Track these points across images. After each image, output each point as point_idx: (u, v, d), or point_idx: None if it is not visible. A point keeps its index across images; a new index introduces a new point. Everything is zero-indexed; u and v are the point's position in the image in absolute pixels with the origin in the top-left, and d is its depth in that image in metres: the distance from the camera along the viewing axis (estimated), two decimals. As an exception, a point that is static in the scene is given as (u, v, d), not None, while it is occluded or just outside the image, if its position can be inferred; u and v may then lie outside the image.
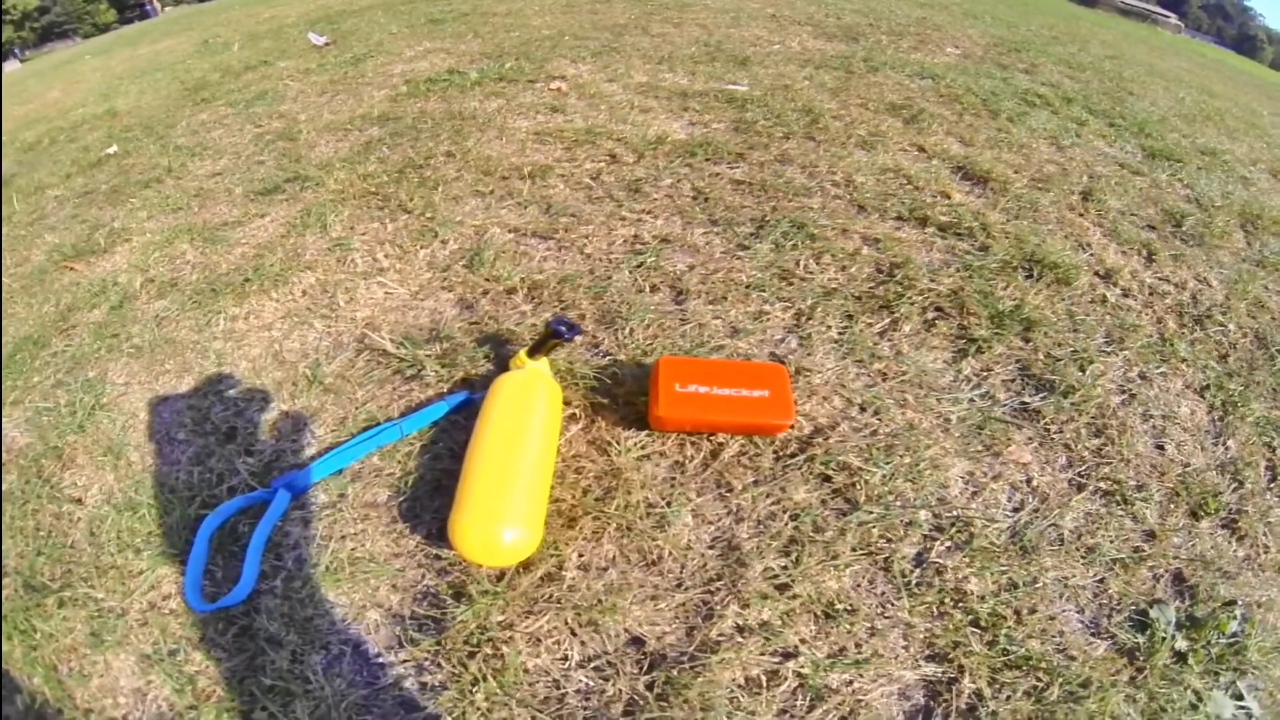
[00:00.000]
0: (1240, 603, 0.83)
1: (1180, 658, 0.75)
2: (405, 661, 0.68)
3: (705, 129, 1.57)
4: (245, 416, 0.94)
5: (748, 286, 1.08)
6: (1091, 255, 1.27)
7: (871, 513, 0.81)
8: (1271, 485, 0.99)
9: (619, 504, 0.77)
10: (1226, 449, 1.02)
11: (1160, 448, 1.00)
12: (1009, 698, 0.68)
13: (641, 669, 0.67)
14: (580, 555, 0.74)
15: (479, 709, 0.64)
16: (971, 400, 0.97)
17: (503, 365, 0.93)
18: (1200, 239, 1.38)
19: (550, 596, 0.71)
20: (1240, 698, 0.74)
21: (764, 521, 0.79)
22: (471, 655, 0.67)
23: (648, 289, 1.06)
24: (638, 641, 0.69)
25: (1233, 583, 0.87)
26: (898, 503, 0.83)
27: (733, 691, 0.66)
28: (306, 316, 1.09)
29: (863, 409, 0.92)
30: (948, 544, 0.81)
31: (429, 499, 0.80)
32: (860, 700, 0.67)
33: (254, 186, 1.52)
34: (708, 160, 1.42)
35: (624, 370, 0.91)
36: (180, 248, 1.32)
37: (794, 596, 0.73)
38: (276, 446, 0.89)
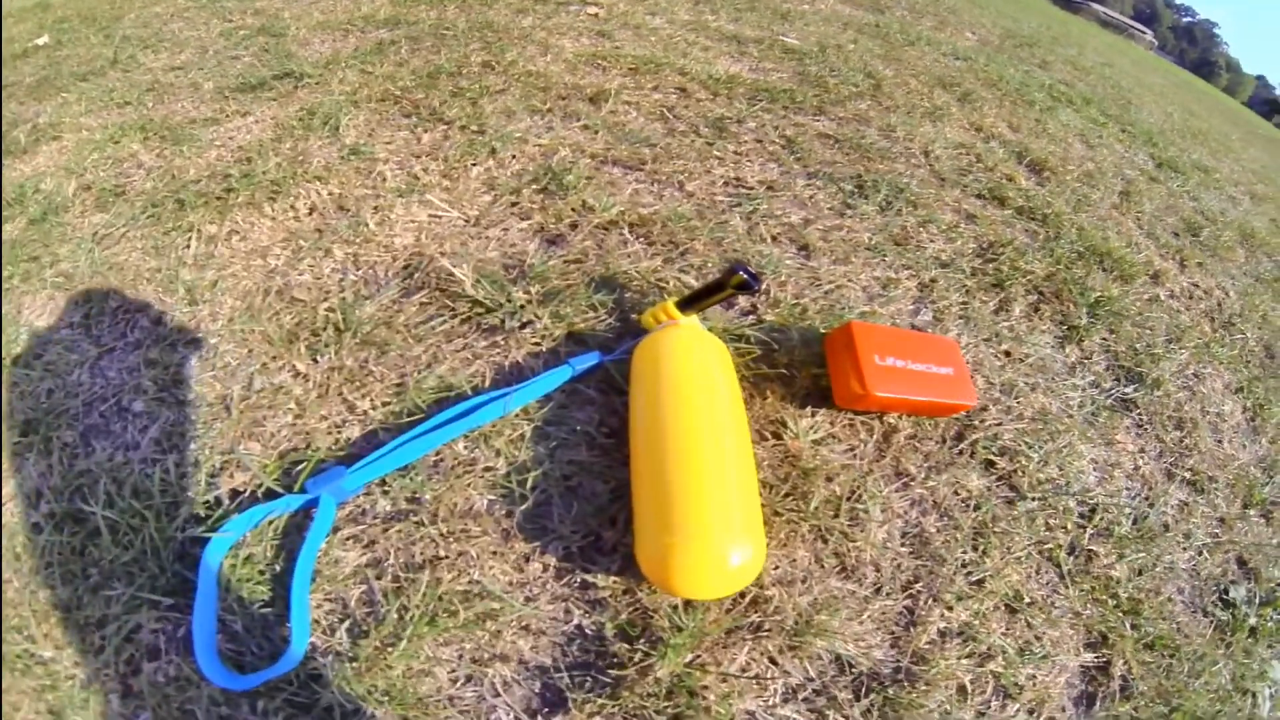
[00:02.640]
0: None
1: (1252, 632, 0.83)
2: None
3: (770, 76, 1.45)
4: (240, 378, 0.69)
5: (869, 249, 1.00)
6: (1142, 255, 1.33)
7: (1033, 501, 0.79)
8: None
9: (810, 501, 0.67)
10: (1260, 446, 1.11)
11: (1219, 442, 1.06)
12: (1149, 677, 0.71)
13: (857, 693, 0.59)
14: (776, 567, 0.63)
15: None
16: (1085, 389, 0.97)
17: (625, 318, 0.79)
18: (1214, 251, 1.50)
19: (751, 623, 0.59)
20: None
21: (948, 512, 0.73)
22: (663, 711, 0.53)
23: (769, 239, 0.95)
24: (846, 661, 0.61)
25: (1276, 566, 0.96)
26: (1052, 489, 0.82)
27: (944, 704, 0.61)
28: (320, 240, 0.84)
29: (1002, 390, 0.89)
30: (1092, 531, 0.81)
31: (560, 503, 0.62)
32: (1046, 692, 0.66)
33: (229, 82, 1.21)
34: (788, 108, 1.31)
35: (781, 334, 0.80)
36: (129, 148, 1.02)
37: (990, 593, 0.69)
38: (298, 426, 0.65)
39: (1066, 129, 1.75)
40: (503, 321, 0.75)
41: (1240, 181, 2.04)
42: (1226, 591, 0.86)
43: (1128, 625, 0.74)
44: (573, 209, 0.93)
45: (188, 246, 0.84)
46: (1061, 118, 1.79)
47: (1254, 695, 0.77)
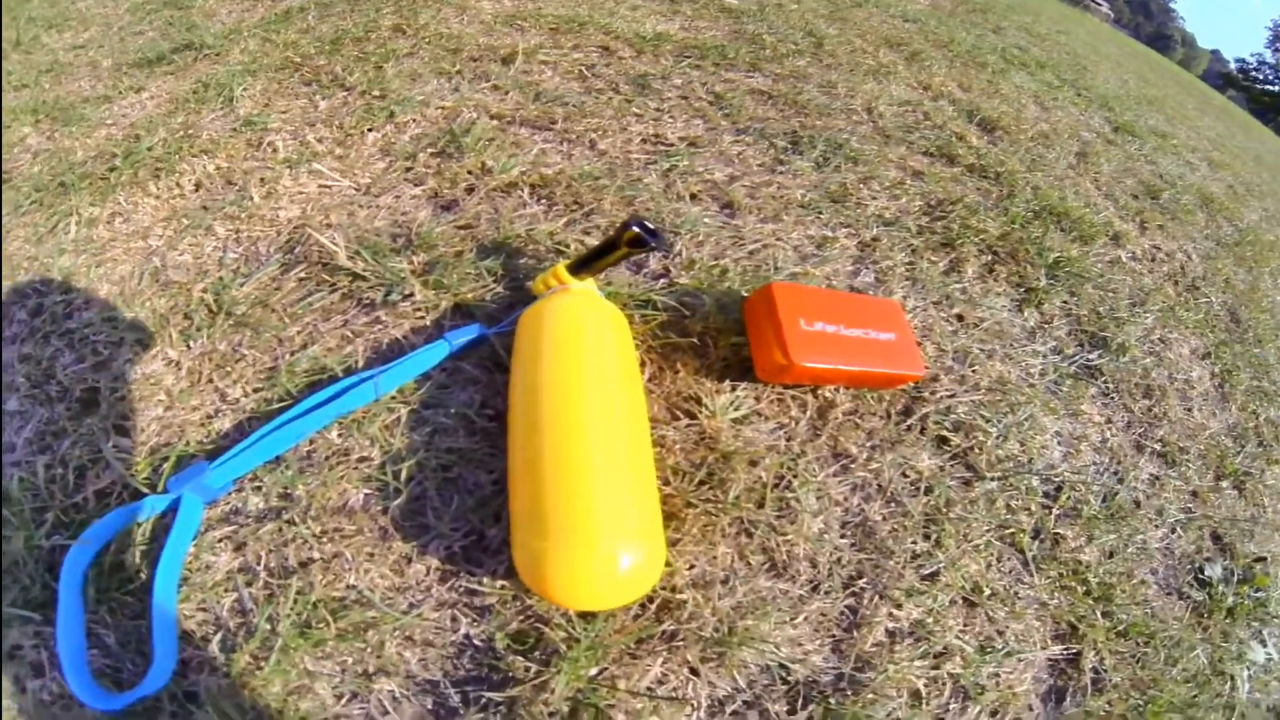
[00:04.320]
0: (1267, 559, 0.89)
1: (1230, 613, 0.81)
2: None
3: (703, 34, 1.38)
4: (113, 371, 0.65)
5: (802, 206, 0.93)
6: (1101, 216, 1.30)
7: (993, 481, 0.73)
8: (1260, 449, 1.07)
9: (729, 490, 0.60)
10: (1230, 414, 1.08)
11: (1188, 410, 1.03)
12: (1122, 667, 0.69)
13: (793, 704, 0.52)
14: (691, 566, 0.56)
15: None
16: (1046, 355, 0.92)
17: (518, 286, 0.70)
18: (1174, 214, 1.48)
19: (663, 632, 0.52)
20: (1265, 644, 0.82)
21: (895, 496, 0.66)
22: None
23: (687, 197, 0.87)
24: (780, 668, 0.54)
25: (1252, 540, 0.93)
26: (1014, 467, 0.76)
27: (893, 710, 0.55)
28: (202, 218, 0.80)
29: (955, 358, 0.83)
30: (1059, 512, 0.76)
31: (438, 496, 0.57)
32: (1011, 691, 0.62)
33: (128, 58, 1.15)
34: (718, 65, 1.24)
35: (695, 299, 0.72)
36: (20, 132, 0.97)
37: (945, 586, 0.63)
38: (167, 419, 0.61)
39: (1020, 91, 1.73)
40: (385, 295, 0.68)
41: (1197, 148, 2.07)
42: (1202, 570, 0.84)
43: (1099, 613, 0.71)
44: (469, 171, 0.84)
45: (68, 231, 0.79)
46: (1015, 80, 1.78)
47: (1232, 678, 0.76)
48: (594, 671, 0.50)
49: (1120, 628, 0.71)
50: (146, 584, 0.52)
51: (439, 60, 1.10)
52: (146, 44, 1.20)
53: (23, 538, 0.54)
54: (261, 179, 0.83)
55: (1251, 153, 2.94)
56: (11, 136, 0.98)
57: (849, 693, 0.56)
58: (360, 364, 0.64)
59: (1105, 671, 0.67)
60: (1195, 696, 0.71)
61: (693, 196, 0.88)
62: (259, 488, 0.57)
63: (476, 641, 0.52)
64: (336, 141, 0.91)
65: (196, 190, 0.84)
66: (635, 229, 0.53)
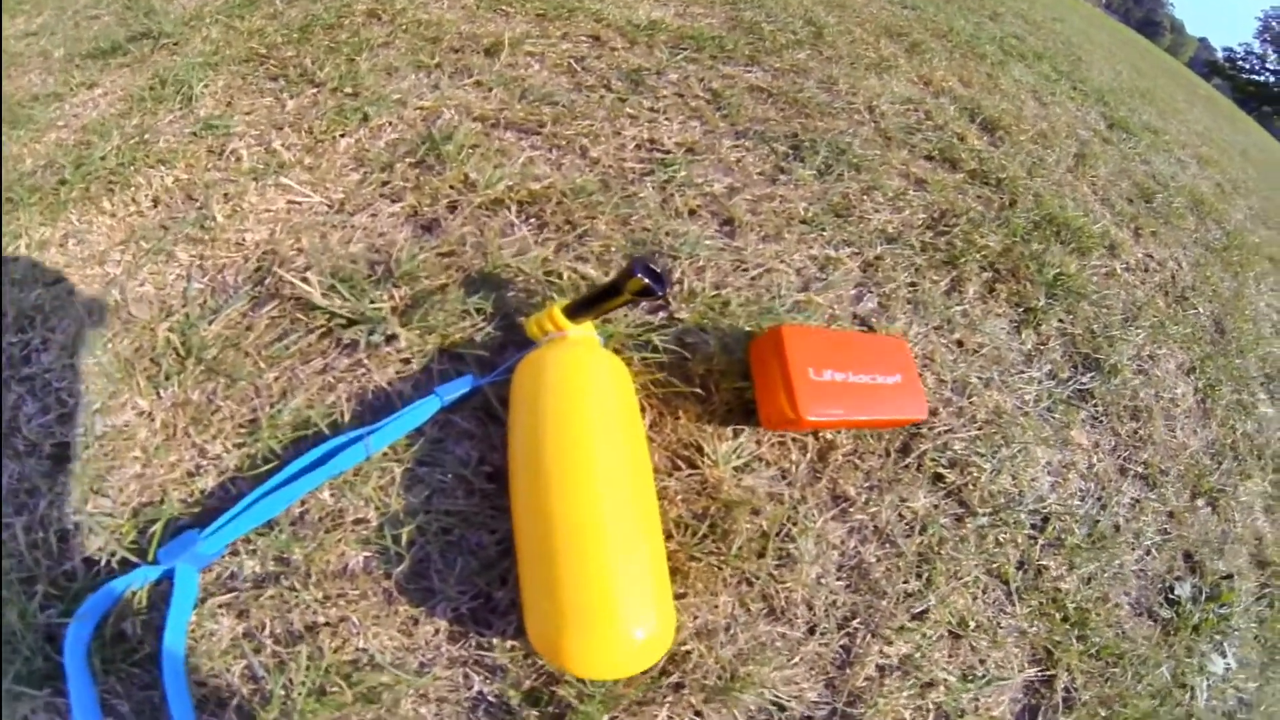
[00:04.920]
0: (1233, 576, 0.95)
1: (1195, 629, 0.86)
2: None
3: (699, 21, 1.33)
4: (80, 423, 0.61)
5: (804, 222, 0.91)
6: (1098, 225, 1.31)
7: (984, 517, 0.75)
8: (1236, 465, 1.11)
9: (732, 543, 0.60)
10: (1210, 430, 1.12)
11: (1171, 431, 1.06)
12: (1092, 686, 0.73)
13: None
14: (695, 618, 0.57)
15: None
16: (1041, 381, 0.94)
17: (509, 325, 0.68)
18: (1166, 218, 1.50)
19: (669, 681, 0.54)
20: (1224, 655, 0.88)
21: (890, 538, 0.67)
22: None
23: (686, 214, 0.85)
24: (777, 706, 0.57)
25: (1221, 558, 0.98)
26: (1005, 502, 0.78)
27: None
28: (163, 240, 0.74)
29: (954, 389, 0.83)
30: (1044, 543, 0.79)
31: (441, 560, 0.57)
32: (989, 714, 0.67)
33: (82, 48, 1.05)
34: (715, 58, 1.20)
35: (697, 338, 0.71)
36: None
37: (934, 623, 0.66)
38: (146, 477, 0.59)
39: (1019, 85, 1.71)
40: (365, 336, 0.65)
41: (1187, 144, 2.09)
42: (1172, 589, 0.88)
43: (1074, 638, 0.75)
44: (451, 186, 0.80)
45: (16, 255, 0.73)
46: (1014, 73, 1.76)
47: (1192, 689, 0.81)
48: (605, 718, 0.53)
49: (1093, 650, 0.75)
50: (151, 653, 0.52)
51: (417, 51, 1.03)
52: (102, 31, 1.11)
53: (16, 611, 0.52)
54: (225, 194, 0.78)
55: (1238, 146, 2.99)
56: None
57: None
58: (346, 416, 0.61)
59: (1076, 690, 0.72)
60: (1157, 708, 0.75)
61: (691, 212, 0.85)
62: (254, 551, 0.56)
63: (490, 698, 0.53)
64: (306, 149, 0.85)
65: (155, 206, 0.78)
66: (641, 277, 0.51)
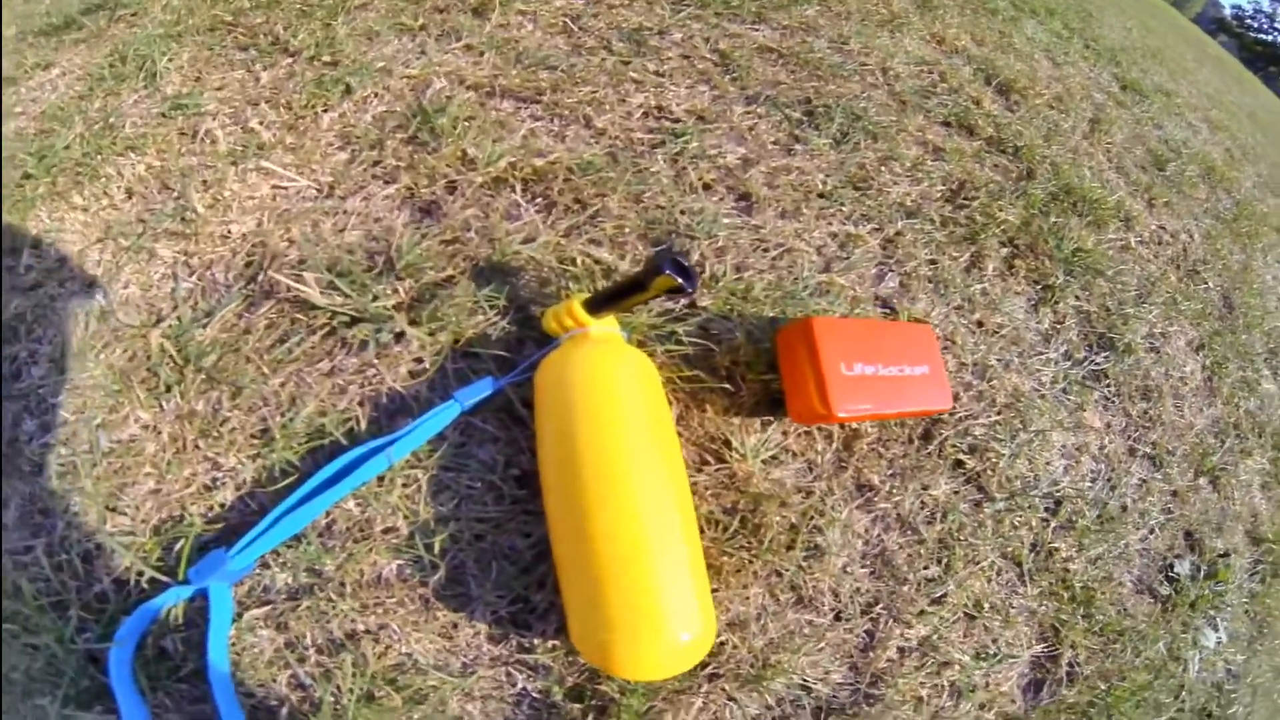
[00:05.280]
0: (1230, 553, 0.98)
1: (1192, 605, 0.90)
2: None
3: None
4: (83, 441, 0.59)
5: (822, 196, 0.88)
6: (1114, 195, 1.29)
7: (1001, 503, 0.76)
8: (1238, 442, 1.13)
9: (763, 537, 0.61)
10: (1215, 408, 1.13)
11: (1179, 410, 1.07)
12: (1093, 661, 0.76)
13: (816, 718, 0.60)
14: (728, 610, 0.59)
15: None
16: (1057, 362, 0.93)
17: (523, 316, 0.65)
18: (1179, 187, 1.49)
19: (705, 672, 0.57)
20: (1216, 629, 0.92)
21: (912, 525, 0.68)
22: None
23: (701, 189, 0.81)
24: (804, 691, 0.60)
25: (1220, 535, 1.00)
26: (1021, 487, 0.79)
27: (899, 717, 0.63)
28: (142, 236, 0.69)
29: (974, 372, 0.83)
30: (1056, 525, 0.81)
31: (476, 567, 0.58)
32: (998, 689, 0.70)
33: (33, 24, 0.97)
34: (720, 15, 1.14)
35: (721, 326, 0.68)
36: None
37: (952, 606, 0.69)
38: (162, 493, 0.58)
39: (1032, 44, 1.66)
40: (372, 335, 0.62)
41: (1198, 107, 2.06)
42: (1172, 567, 0.91)
43: (1079, 616, 0.78)
44: (449, 164, 0.76)
45: None
46: (1026, 30, 1.71)
47: (1185, 661, 0.85)
48: (644, 708, 0.56)
49: (1096, 628, 0.78)
50: (196, 669, 0.53)
51: (398, 13, 0.96)
52: (54, 5, 1.02)
53: (54, 636, 0.53)
54: (203, 181, 0.73)
55: (1246, 109, 2.95)
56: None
57: (864, 706, 0.63)
58: (362, 422, 0.60)
59: (1078, 665, 0.75)
60: (1152, 681, 0.79)
61: (706, 187, 0.82)
62: (284, 564, 0.56)
63: (534, 694, 0.56)
64: (286, 126, 0.79)
65: (129, 198, 0.73)
66: (670, 274, 0.48)
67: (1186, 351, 1.15)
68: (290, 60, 0.88)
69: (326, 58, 0.88)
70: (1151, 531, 0.91)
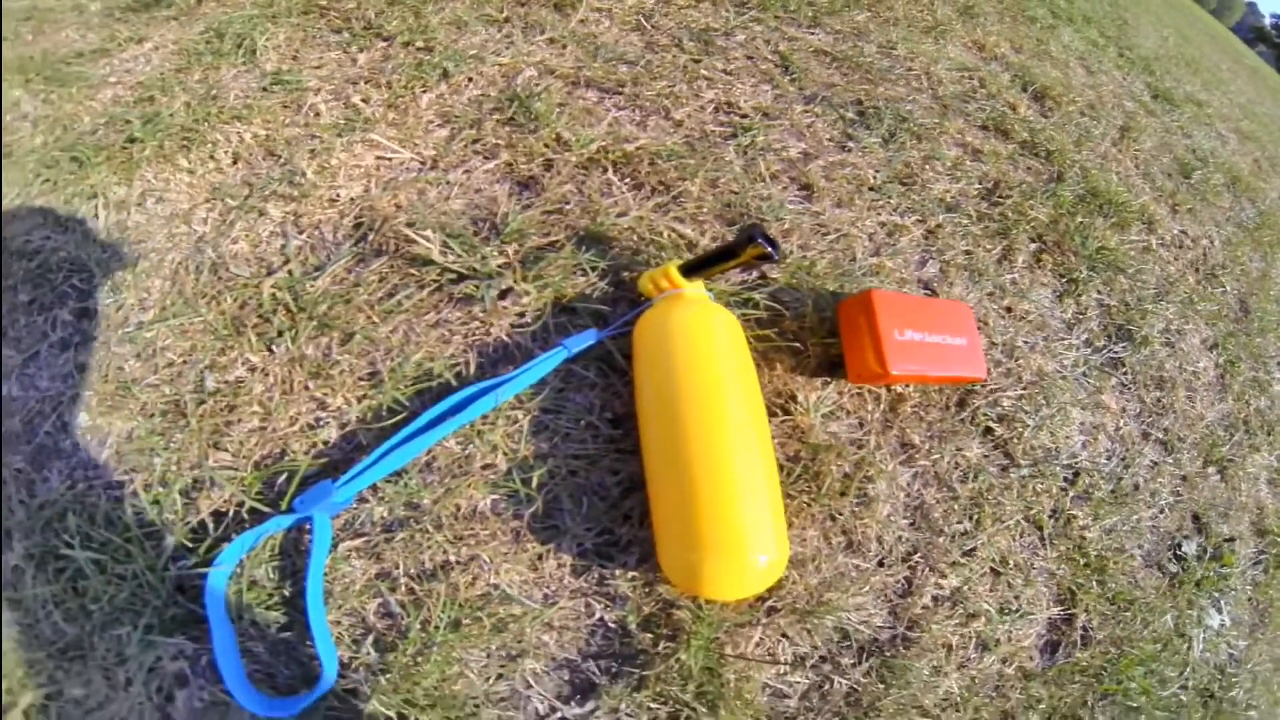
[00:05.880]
0: (1235, 539, 1.07)
1: (1198, 584, 0.98)
2: (595, 712, 0.59)
3: (760, -29, 1.37)
4: (188, 378, 0.65)
5: (873, 189, 0.99)
6: (1139, 200, 1.39)
7: (1025, 469, 0.86)
8: (1246, 437, 1.23)
9: (821, 483, 0.71)
10: (1226, 404, 1.23)
11: (1191, 401, 1.17)
12: (1105, 627, 0.84)
13: (858, 658, 0.67)
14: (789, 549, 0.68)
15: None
16: (1079, 348, 1.04)
17: (617, 280, 0.75)
18: (1203, 195, 1.59)
19: (766, 605, 0.65)
20: (1220, 611, 1.00)
21: (947, 483, 0.78)
22: (688, 690, 0.60)
23: (768, 178, 0.93)
24: (848, 630, 0.68)
25: (1226, 522, 1.10)
26: (1043, 456, 0.89)
27: (931, 660, 0.71)
28: (250, 198, 0.76)
29: (1003, 351, 0.93)
30: (1074, 495, 0.91)
31: (569, 500, 0.64)
32: (1017, 645, 0.78)
33: (118, 1, 1.03)
34: (780, 18, 1.24)
35: (790, 296, 0.80)
36: (10, 94, 0.87)
37: (980, 560, 0.77)
38: (266, 431, 0.63)
39: (1068, 51, 1.76)
40: (478, 291, 0.71)
41: (1229, 117, 2.15)
42: (1180, 546, 1.00)
43: (1094, 582, 0.86)
44: (545, 145, 0.86)
45: (95, 216, 0.75)
46: (1063, 38, 1.80)
47: (1190, 639, 0.92)
48: (711, 637, 0.62)
49: (1109, 594, 0.86)
50: (284, 598, 0.57)
51: (483, 4, 1.06)
52: None
53: (145, 564, 0.57)
54: (310, 151, 0.81)
55: (1279, 121, 3.03)
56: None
57: (900, 648, 0.70)
58: (471, 367, 0.67)
59: (1092, 630, 0.83)
60: (1159, 653, 0.87)
61: (773, 177, 0.93)
62: (382, 499, 0.61)
63: (610, 623, 0.62)
64: (387, 104, 0.88)
65: (235, 163, 0.81)
66: (761, 243, 0.60)
67: (1200, 349, 1.25)
68: (385, 44, 0.97)
69: (420, 43, 0.97)
70: (1161, 511, 1.00)
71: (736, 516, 0.54)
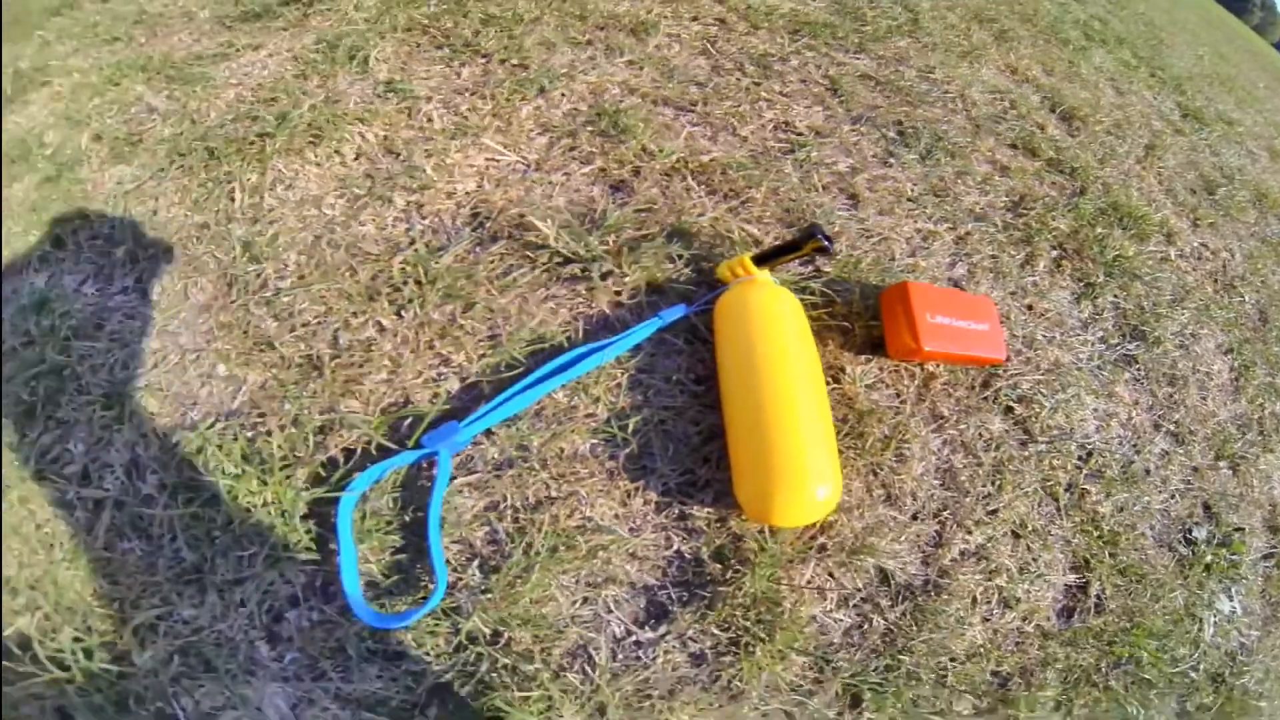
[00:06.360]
0: (1245, 529, 1.16)
1: (1207, 568, 1.07)
2: (666, 636, 0.70)
3: (809, 5, 1.54)
4: (324, 336, 0.77)
5: (910, 200, 1.15)
6: (1159, 214, 1.52)
7: (1042, 444, 0.99)
8: (1260, 438, 1.34)
9: (866, 440, 0.85)
10: (1240, 405, 1.34)
11: (1204, 399, 1.29)
12: (1118, 597, 0.93)
13: (895, 600, 0.80)
14: None
15: (759, 666, 0.70)
16: (1094, 344, 1.17)
17: (699, 268, 0.92)
18: (1227, 210, 1.70)
19: (819, 545, 0.78)
20: (1231, 599, 1.09)
21: (973, 450, 0.93)
22: (749, 617, 0.72)
23: (820, 189, 1.09)
24: (887, 575, 0.80)
25: (1236, 513, 1.21)
26: (1058, 434, 1.02)
27: (958, 609, 0.82)
28: (375, 188, 0.90)
29: (1024, 343, 1.08)
30: (1087, 472, 1.02)
31: (659, 444, 0.77)
32: (1037, 605, 0.88)
33: (227, 10, 1.17)
34: (829, 45, 1.41)
35: (839, 286, 0.96)
36: (133, 91, 1.01)
37: (1002, 521, 0.90)
38: (393, 382, 0.75)
39: (1099, 73, 1.89)
40: (584, 271, 0.87)
41: (1261, 136, 2.24)
42: (1190, 531, 1.10)
43: (1107, 554, 0.95)
44: (634, 154, 1.03)
45: (231, 199, 0.87)
46: (1094, 60, 1.93)
47: (1201, 620, 1.01)
48: (770, 572, 0.74)
49: (1121, 567, 0.95)
50: (401, 524, 0.66)
51: (568, 28, 1.23)
52: None
53: (272, 492, 0.64)
54: (426, 151, 0.95)
55: (1315, 138, 3.11)
56: (124, 95, 1.02)
57: (932, 594, 0.81)
58: (579, 334, 0.81)
59: (1105, 599, 0.91)
60: (1171, 630, 0.95)
61: (824, 188, 1.10)
62: (494, 441, 0.72)
63: (685, 554, 0.73)
64: (492, 114, 1.04)
65: (357, 159, 0.93)
66: (820, 238, 0.77)
67: (1215, 352, 1.36)
68: (484, 60, 1.13)
69: (515, 61, 1.14)
70: (1172, 497, 1.10)
71: (802, 455, 0.68)
